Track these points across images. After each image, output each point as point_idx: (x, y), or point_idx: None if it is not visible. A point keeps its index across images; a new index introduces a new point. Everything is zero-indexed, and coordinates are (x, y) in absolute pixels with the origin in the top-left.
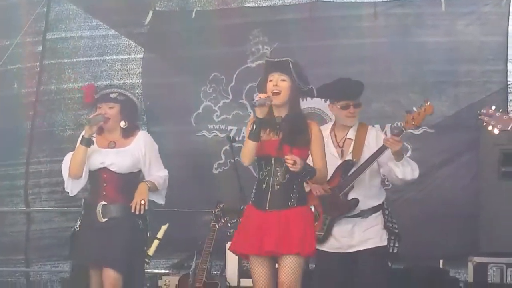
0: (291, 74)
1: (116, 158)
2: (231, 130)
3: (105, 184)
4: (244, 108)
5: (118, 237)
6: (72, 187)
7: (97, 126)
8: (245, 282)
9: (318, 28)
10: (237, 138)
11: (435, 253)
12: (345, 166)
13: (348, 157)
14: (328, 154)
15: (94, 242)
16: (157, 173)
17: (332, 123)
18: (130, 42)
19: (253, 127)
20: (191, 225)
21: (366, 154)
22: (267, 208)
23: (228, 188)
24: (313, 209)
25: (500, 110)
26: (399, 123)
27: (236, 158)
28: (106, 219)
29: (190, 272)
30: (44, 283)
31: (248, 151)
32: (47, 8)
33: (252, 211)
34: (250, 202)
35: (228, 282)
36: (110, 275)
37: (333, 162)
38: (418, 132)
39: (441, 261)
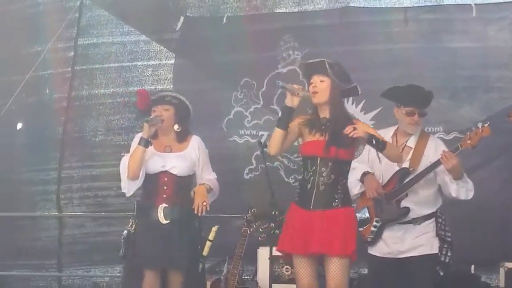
0: (328, 74)
1: (176, 162)
2: (262, 135)
3: (165, 187)
4: (275, 114)
5: (181, 239)
6: (129, 188)
7: (155, 127)
8: (276, 287)
9: (348, 33)
10: (268, 144)
11: (467, 258)
12: (401, 174)
13: (406, 164)
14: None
15: (156, 244)
16: (208, 176)
17: (395, 127)
18: (161, 48)
19: (281, 114)
20: (223, 230)
21: (424, 163)
22: (311, 207)
23: (259, 194)
24: (366, 211)
25: None
26: (430, 128)
27: (267, 163)
28: (168, 221)
29: (222, 277)
30: (76, 287)
31: (274, 139)
32: (79, 14)
33: (296, 211)
34: (293, 202)
35: (259, 287)
36: (175, 276)
37: (390, 166)
38: (449, 137)
39: (473, 266)
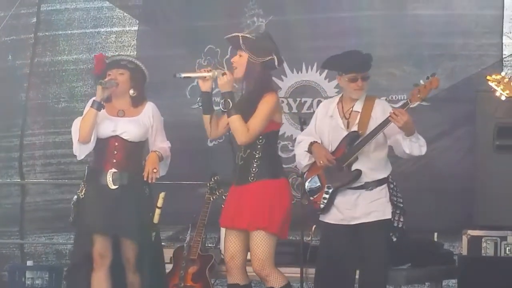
0: (243, 49)
1: (128, 126)
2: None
3: (115, 152)
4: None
5: (131, 206)
6: (80, 152)
7: (109, 90)
8: None
9: (313, 1)
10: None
11: (430, 226)
12: (350, 138)
13: (354, 128)
14: (334, 126)
15: (105, 208)
16: (161, 144)
17: (340, 95)
18: (125, 14)
19: (199, 101)
20: (186, 198)
21: (372, 126)
22: (235, 183)
23: (223, 161)
24: (317, 180)
25: (510, 77)
26: (394, 96)
27: (230, 131)
28: (117, 187)
29: (185, 245)
30: (39, 255)
31: (206, 125)
32: None
33: (231, 186)
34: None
35: (223, 255)
36: (129, 245)
37: (339, 133)
38: (413, 105)
39: (436, 234)
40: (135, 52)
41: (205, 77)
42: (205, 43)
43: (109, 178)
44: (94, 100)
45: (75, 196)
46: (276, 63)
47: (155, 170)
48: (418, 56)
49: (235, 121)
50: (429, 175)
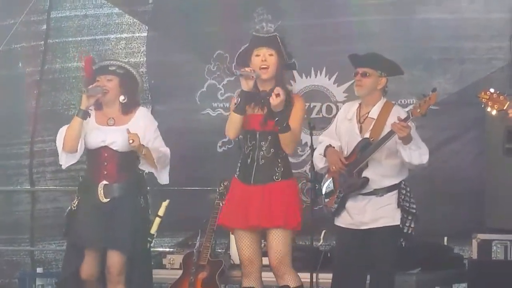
0: (280, 49)
1: (117, 136)
2: None
3: (105, 163)
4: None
5: (122, 218)
6: (66, 161)
7: (94, 98)
8: None
9: (321, 6)
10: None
11: (440, 230)
12: (362, 144)
13: (367, 135)
14: (351, 129)
15: (96, 222)
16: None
17: (360, 100)
18: (134, 20)
19: (238, 100)
20: (196, 204)
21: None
22: (252, 182)
23: (232, 166)
24: (331, 182)
25: (498, 92)
26: (403, 101)
27: (240, 136)
28: (108, 199)
29: (195, 251)
30: (49, 262)
31: (232, 124)
32: None
33: (238, 185)
34: (235, 176)
35: (232, 260)
36: (115, 257)
37: (354, 137)
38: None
39: (445, 238)
40: (145, 58)
41: (253, 76)
42: (214, 48)
43: (100, 191)
44: (79, 108)
45: (68, 208)
46: (296, 65)
47: (131, 141)
48: (427, 60)
49: (289, 136)
50: (439, 179)
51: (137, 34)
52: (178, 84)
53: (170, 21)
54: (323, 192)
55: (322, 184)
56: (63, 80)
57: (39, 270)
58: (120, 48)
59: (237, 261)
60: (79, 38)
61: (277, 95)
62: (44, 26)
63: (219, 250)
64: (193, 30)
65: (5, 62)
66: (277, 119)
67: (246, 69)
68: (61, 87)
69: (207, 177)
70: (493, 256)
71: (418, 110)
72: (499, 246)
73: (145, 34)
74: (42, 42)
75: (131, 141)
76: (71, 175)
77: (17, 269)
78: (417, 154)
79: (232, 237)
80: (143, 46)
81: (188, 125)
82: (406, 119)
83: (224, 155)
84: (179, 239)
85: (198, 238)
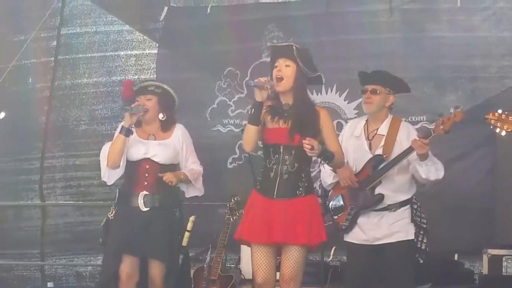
0: (296, 60)
1: (159, 149)
2: (245, 124)
3: (147, 175)
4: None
5: (160, 228)
6: (109, 177)
7: (137, 116)
8: None
9: (333, 23)
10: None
11: (450, 246)
12: (375, 161)
13: (378, 151)
14: (359, 146)
15: (135, 229)
16: (192, 166)
17: (367, 116)
18: (145, 37)
19: (251, 110)
20: (206, 219)
21: (397, 150)
22: (275, 196)
23: (243, 182)
24: (341, 199)
25: (506, 112)
26: (413, 118)
27: (251, 153)
28: (148, 209)
29: (205, 265)
30: (59, 277)
31: (249, 136)
32: (62, 3)
33: (258, 199)
34: (255, 189)
35: (243, 275)
36: (157, 267)
37: (363, 154)
38: (433, 126)
39: (456, 254)
40: (155, 75)
41: (267, 86)
42: (225, 65)
43: (140, 201)
44: (122, 126)
45: (105, 218)
46: (323, 79)
47: (169, 180)
48: (438, 78)
49: (337, 159)
50: (450, 196)
51: (148, 51)
52: (188, 100)
53: (180, 38)
54: (331, 208)
55: (329, 199)
56: (73, 96)
57: (49, 284)
58: (130, 65)
59: (247, 276)
60: (89, 55)
61: (312, 148)
62: (55, 43)
63: (230, 265)
64: (203, 47)
65: (16, 78)
66: (322, 157)
67: (260, 79)
68: (71, 103)
69: (217, 193)
70: (503, 271)
71: (441, 127)
72: (509, 261)
73: (155, 51)
74: (52, 58)
75: (170, 183)
76: (80, 191)
77: (27, 284)
78: (434, 169)
79: (243, 252)
80: (153, 63)
81: (198, 142)
82: (427, 136)
83: (234, 171)
84: (190, 254)
85: (209, 253)
